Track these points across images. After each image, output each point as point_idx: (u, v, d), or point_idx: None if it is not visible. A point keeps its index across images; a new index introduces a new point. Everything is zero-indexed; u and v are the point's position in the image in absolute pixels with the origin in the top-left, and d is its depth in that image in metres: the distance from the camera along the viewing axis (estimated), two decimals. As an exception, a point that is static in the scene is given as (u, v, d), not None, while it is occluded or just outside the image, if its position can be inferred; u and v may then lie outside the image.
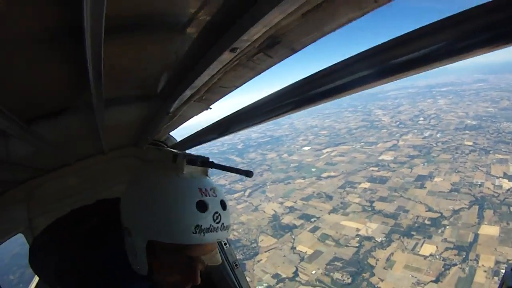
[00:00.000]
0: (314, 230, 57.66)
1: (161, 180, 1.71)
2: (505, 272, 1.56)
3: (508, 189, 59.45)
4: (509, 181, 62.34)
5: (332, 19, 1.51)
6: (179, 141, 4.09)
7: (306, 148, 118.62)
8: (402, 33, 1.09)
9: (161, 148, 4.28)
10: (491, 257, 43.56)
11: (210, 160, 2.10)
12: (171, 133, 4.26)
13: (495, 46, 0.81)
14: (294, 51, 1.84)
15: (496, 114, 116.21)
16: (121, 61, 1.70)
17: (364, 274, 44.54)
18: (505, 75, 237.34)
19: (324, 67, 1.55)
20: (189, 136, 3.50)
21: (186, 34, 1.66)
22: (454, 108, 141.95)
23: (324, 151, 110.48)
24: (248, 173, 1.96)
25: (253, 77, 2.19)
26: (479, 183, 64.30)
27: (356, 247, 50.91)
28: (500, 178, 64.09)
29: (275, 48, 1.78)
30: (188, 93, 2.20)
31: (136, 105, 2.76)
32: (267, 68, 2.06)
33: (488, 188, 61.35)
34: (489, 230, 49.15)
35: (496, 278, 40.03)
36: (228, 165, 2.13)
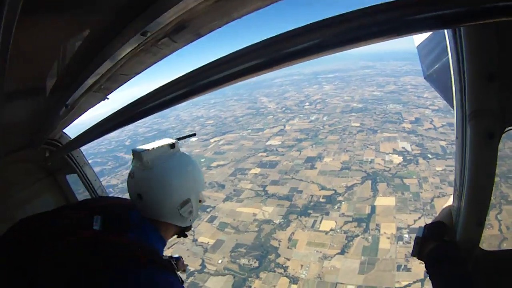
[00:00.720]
0: (211, 220, 55.54)
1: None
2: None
3: (399, 163, 63.51)
4: (398, 156, 66.84)
5: (242, 6, 1.70)
6: (74, 138, 3.29)
7: (193, 139, 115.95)
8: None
9: (58, 150, 3.93)
10: (391, 224, 45.52)
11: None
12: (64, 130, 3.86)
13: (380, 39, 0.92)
14: (199, 36, 1.97)
15: (382, 97, 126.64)
16: (19, 48, 1.41)
17: (269, 256, 43.62)
18: (390, 62, 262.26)
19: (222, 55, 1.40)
20: (83, 132, 2.84)
21: (93, 16, 1.63)
22: (340, 93, 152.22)
23: (212, 140, 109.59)
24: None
25: (154, 63, 2.20)
26: (370, 160, 67.93)
27: (256, 231, 49.91)
28: (390, 154, 68.51)
29: (181, 33, 1.87)
30: (89, 82, 2.16)
31: (32, 99, 2.49)
32: (170, 53, 2.10)
33: (379, 164, 64.96)
34: (385, 201, 51.64)
35: (400, 243, 41.92)
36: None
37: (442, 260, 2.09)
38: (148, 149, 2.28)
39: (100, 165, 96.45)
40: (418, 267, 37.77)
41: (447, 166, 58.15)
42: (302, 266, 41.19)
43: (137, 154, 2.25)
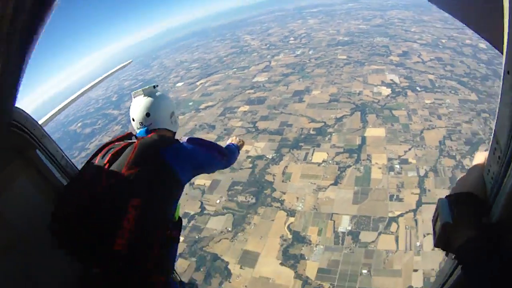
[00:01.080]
0: (206, 162, 55.14)
1: (162, 92, 3.75)
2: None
3: (388, 95, 63.06)
4: (387, 88, 66.24)
5: None
6: None
7: (179, 84, 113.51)
8: None
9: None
10: (382, 155, 45.90)
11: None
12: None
13: None
14: None
15: (369, 30, 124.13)
16: None
17: (265, 191, 43.88)
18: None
19: None
20: None
21: None
22: (325, 27, 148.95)
23: (198, 83, 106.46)
24: (156, 86, 3.76)
25: None
26: (358, 91, 67.11)
27: (250, 168, 49.89)
28: (378, 86, 67.73)
29: None
30: None
31: None
32: None
33: (368, 96, 64.29)
34: (375, 132, 51.66)
35: (392, 173, 42.61)
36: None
37: (486, 257, 1.38)
38: (143, 88, 3.66)
39: (90, 126, 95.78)
40: (410, 197, 38.80)
41: (436, 99, 58.15)
42: (297, 198, 41.68)
43: (139, 92, 3.64)
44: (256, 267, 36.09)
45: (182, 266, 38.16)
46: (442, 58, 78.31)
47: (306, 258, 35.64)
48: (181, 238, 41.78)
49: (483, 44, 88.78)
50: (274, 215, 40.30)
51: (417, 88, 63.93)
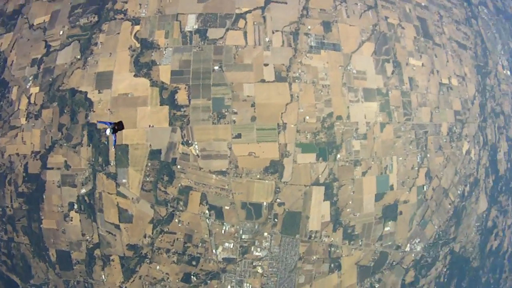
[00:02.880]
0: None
1: None
2: None
3: None
4: None
5: None
6: None
7: None
8: None
9: None
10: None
11: None
12: None
13: None
14: None
15: None
16: None
17: (107, 6, 37.72)
18: None
19: None
20: None
21: None
22: None
23: None
24: None
25: None
26: None
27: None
28: None
29: None
30: None
31: None
32: None
33: None
34: None
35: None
36: None
37: None
38: None
39: None
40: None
41: None
42: (140, 5, 37.49)
43: None
44: (113, 86, 34.94)
45: (48, 116, 36.26)
46: None
47: (158, 63, 35.05)
48: (37, 89, 38.16)
49: None
50: (119, 28, 36.99)
51: None
